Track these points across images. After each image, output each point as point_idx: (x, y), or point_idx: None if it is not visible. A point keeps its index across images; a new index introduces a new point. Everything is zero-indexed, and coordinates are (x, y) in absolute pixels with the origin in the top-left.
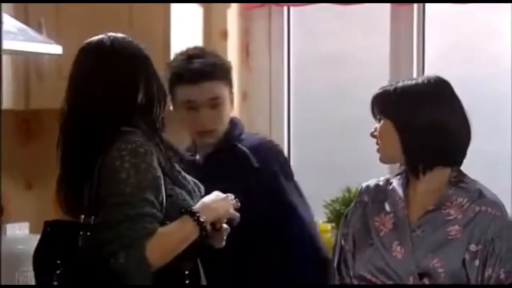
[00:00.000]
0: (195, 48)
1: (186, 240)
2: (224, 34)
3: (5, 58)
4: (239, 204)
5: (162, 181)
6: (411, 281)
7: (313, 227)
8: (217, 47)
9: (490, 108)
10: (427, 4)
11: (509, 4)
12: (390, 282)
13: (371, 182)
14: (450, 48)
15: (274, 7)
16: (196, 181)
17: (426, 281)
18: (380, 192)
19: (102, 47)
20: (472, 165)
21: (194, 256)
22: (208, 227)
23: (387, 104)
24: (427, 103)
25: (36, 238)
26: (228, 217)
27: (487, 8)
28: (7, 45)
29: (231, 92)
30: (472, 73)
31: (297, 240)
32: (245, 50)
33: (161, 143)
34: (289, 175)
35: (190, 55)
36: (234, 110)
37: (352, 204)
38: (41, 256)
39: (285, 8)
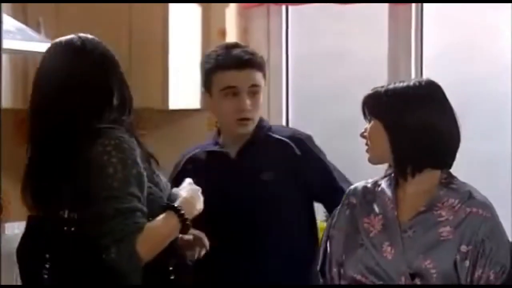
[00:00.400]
0: (232, 42)
1: (171, 235)
2: (223, 33)
3: (4, 57)
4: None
5: (145, 178)
6: (402, 281)
7: None
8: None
9: (489, 107)
10: (425, 2)
11: (509, 4)
12: (380, 283)
13: (359, 184)
14: (448, 46)
15: (272, 6)
16: (165, 179)
17: (417, 281)
18: (368, 194)
19: (73, 46)
20: (471, 165)
21: (177, 252)
22: (189, 222)
23: (378, 105)
24: (417, 105)
25: None
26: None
27: (486, 6)
28: (6, 44)
29: (264, 83)
30: (472, 72)
31: None
32: None
33: (137, 142)
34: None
35: (229, 45)
36: None
37: (339, 206)
38: (26, 250)
39: (284, 7)
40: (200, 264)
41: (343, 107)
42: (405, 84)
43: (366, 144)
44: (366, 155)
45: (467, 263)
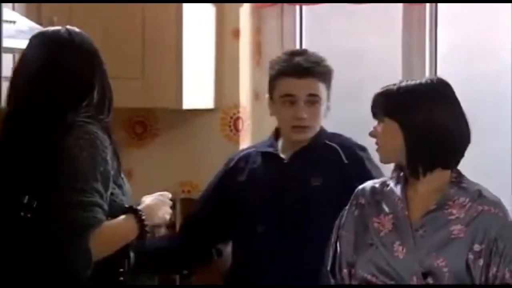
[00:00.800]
0: (300, 49)
1: (126, 238)
2: (236, 33)
3: (17, 57)
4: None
5: (111, 177)
6: (414, 280)
7: None
8: (229, 46)
9: (503, 105)
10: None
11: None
12: (391, 282)
13: (367, 185)
14: (461, 45)
15: (286, 6)
16: (128, 184)
17: (430, 280)
18: (376, 194)
19: (59, 37)
20: (481, 163)
21: (129, 255)
22: (148, 228)
23: (391, 103)
24: (431, 104)
25: None
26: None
27: (498, 6)
28: (19, 44)
29: (328, 96)
30: (486, 70)
31: None
32: (257, 49)
33: (111, 141)
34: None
35: (294, 52)
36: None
37: (347, 207)
38: None
39: (297, 7)
40: (240, 262)
41: (357, 106)
42: (417, 82)
43: (376, 143)
44: (377, 154)
45: (481, 261)
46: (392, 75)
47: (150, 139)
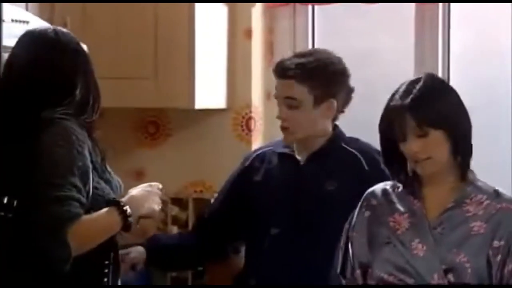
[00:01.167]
0: (312, 48)
1: (108, 231)
2: (249, 33)
3: None
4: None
5: (91, 172)
6: (435, 278)
7: None
8: (242, 46)
9: None
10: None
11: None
12: (411, 280)
13: (377, 187)
14: (475, 44)
15: (298, 5)
16: (119, 179)
17: (450, 277)
18: (388, 195)
19: (46, 37)
20: (496, 163)
21: (116, 247)
22: (131, 219)
23: (436, 114)
24: (463, 109)
25: None
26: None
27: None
28: None
29: (319, 98)
30: (499, 70)
31: None
32: (270, 49)
33: (91, 139)
34: None
35: (296, 53)
36: (330, 117)
37: (357, 209)
38: None
39: (310, 7)
40: (252, 262)
41: (369, 106)
42: (426, 84)
43: (423, 158)
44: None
45: (499, 257)
46: (405, 75)
47: (163, 139)
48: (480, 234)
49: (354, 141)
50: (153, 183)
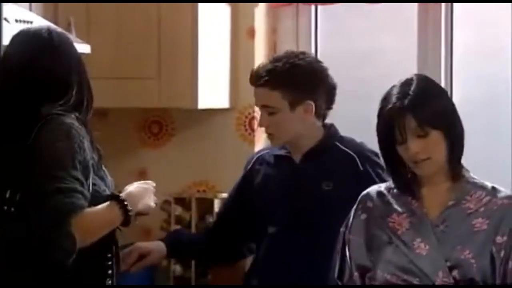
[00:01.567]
0: (287, 51)
1: (110, 225)
2: (252, 33)
3: None
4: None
5: (91, 167)
6: (440, 276)
7: None
8: (245, 46)
9: None
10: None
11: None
12: (415, 280)
13: (371, 189)
14: (478, 44)
15: (301, 5)
16: (112, 179)
17: (456, 274)
18: (383, 196)
19: (40, 36)
20: (497, 161)
21: (117, 240)
22: (131, 214)
23: (435, 114)
24: (455, 108)
25: None
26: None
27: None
28: None
29: (293, 101)
30: (502, 70)
31: None
32: (273, 49)
33: (89, 134)
34: None
35: (270, 58)
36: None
37: (352, 212)
38: None
39: (313, 7)
40: (255, 263)
41: (372, 106)
42: (436, 89)
43: (422, 159)
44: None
45: (502, 253)
46: (407, 74)
47: (166, 139)
48: (482, 230)
49: (349, 141)
50: (148, 181)
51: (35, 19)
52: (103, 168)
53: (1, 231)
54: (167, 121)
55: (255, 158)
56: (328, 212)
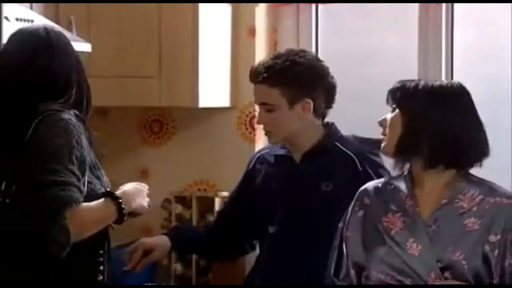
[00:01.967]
0: (287, 49)
1: (104, 221)
2: (252, 32)
3: None
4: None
5: (87, 164)
6: (432, 276)
7: None
8: (245, 45)
9: None
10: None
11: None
12: (407, 280)
13: (369, 185)
14: (479, 44)
15: (302, 4)
16: (108, 180)
17: (448, 275)
18: (381, 194)
19: (37, 36)
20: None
21: (109, 237)
22: (125, 211)
23: (404, 96)
24: (441, 105)
25: None
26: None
27: None
28: None
29: (292, 99)
30: (503, 70)
31: None
32: (273, 48)
33: (88, 134)
34: None
35: (271, 56)
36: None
37: (350, 208)
38: None
39: (313, 6)
40: (256, 262)
41: (372, 105)
42: (437, 83)
43: (383, 133)
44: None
45: (496, 252)
46: (408, 74)
47: (167, 137)
48: (474, 230)
49: (349, 140)
50: (142, 184)
51: (36, 18)
52: (100, 167)
53: None
54: (168, 120)
55: (256, 158)
56: (327, 213)
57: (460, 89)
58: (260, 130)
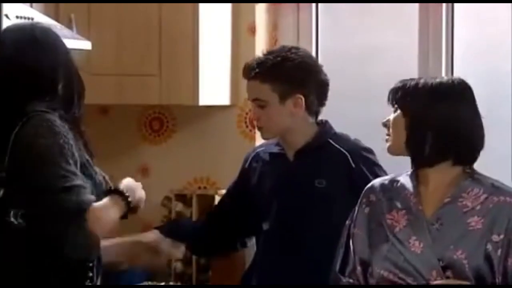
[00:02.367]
0: (280, 46)
1: (117, 216)
2: (253, 29)
3: None
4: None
5: (79, 163)
6: (433, 275)
7: None
8: (246, 42)
9: None
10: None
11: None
12: (409, 278)
13: (376, 182)
14: (479, 42)
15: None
16: (105, 175)
17: (449, 274)
18: (387, 191)
19: (23, 32)
20: (497, 159)
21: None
22: (132, 205)
23: (405, 95)
24: (443, 102)
25: None
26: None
27: None
28: None
29: (283, 94)
30: (503, 67)
31: None
32: (274, 45)
33: (77, 132)
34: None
35: (263, 52)
36: (300, 114)
37: (357, 206)
38: None
39: (314, 3)
40: (253, 259)
41: (373, 103)
42: (437, 80)
43: (387, 134)
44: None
45: (499, 251)
46: (409, 72)
47: (167, 135)
48: (477, 229)
49: (342, 138)
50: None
51: (36, 16)
52: (92, 165)
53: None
54: (168, 118)
55: (252, 156)
56: (320, 210)
57: (461, 84)
58: None
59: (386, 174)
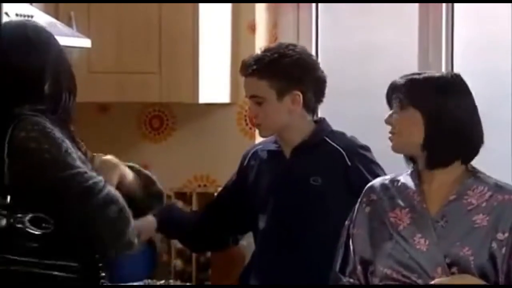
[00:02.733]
0: (277, 43)
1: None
2: (253, 27)
3: None
4: None
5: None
6: (439, 272)
7: None
8: (246, 41)
9: None
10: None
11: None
12: (414, 276)
13: (376, 182)
14: (478, 40)
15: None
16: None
17: (455, 271)
18: (388, 190)
19: (13, 31)
20: (496, 157)
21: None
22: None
23: (416, 92)
24: (456, 98)
25: None
26: None
27: None
28: None
29: (281, 91)
30: (503, 66)
31: None
32: (274, 43)
33: (68, 132)
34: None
35: (261, 49)
36: (298, 111)
37: (356, 206)
38: None
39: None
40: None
41: (373, 102)
42: (440, 75)
43: (392, 131)
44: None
45: (504, 249)
46: (409, 70)
47: (167, 133)
48: (483, 226)
49: (339, 136)
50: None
51: (36, 13)
52: (87, 163)
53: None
54: (168, 116)
55: (250, 154)
56: (316, 207)
57: (462, 79)
58: None
59: (383, 171)
